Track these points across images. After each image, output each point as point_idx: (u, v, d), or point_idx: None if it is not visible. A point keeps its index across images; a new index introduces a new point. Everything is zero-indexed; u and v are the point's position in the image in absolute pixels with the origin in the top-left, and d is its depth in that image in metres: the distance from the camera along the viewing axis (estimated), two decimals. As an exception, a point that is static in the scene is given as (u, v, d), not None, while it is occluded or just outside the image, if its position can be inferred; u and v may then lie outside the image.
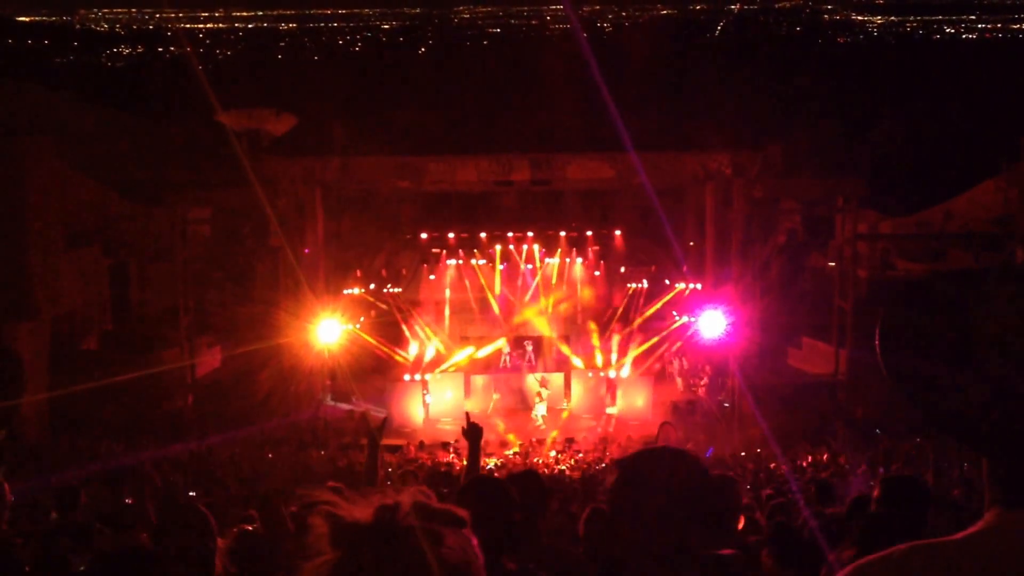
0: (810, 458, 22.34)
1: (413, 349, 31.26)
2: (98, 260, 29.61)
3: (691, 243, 31.89)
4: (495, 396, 29.59)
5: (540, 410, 28.68)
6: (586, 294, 32.31)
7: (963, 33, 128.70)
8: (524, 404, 29.59)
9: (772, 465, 21.06)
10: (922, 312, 1.62)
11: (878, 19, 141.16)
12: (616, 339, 31.35)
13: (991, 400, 1.53)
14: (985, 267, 1.55)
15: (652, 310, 31.41)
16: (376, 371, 30.34)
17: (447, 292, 32.28)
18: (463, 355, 30.95)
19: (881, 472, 17.24)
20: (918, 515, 4.95)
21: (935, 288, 1.61)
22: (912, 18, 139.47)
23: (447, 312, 32.18)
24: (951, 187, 32.39)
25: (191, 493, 15.40)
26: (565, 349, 31.26)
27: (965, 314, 1.54)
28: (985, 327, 1.52)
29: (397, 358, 30.46)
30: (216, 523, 4.58)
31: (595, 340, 31.21)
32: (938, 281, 1.61)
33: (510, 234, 32.04)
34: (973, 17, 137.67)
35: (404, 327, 31.32)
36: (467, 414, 7.06)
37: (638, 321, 31.40)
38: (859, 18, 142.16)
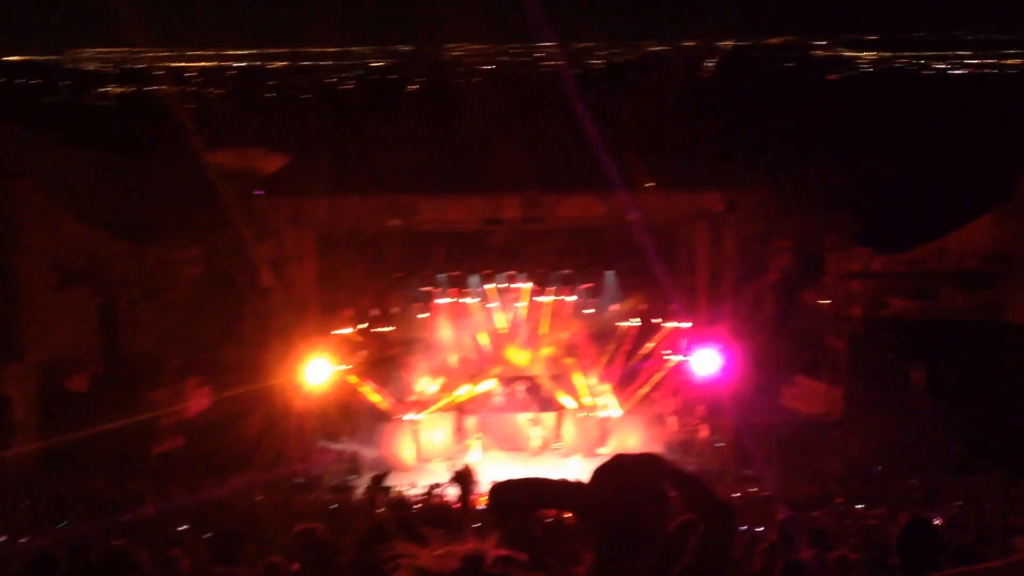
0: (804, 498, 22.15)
1: (404, 389, 31.06)
2: (88, 301, 29.38)
3: (683, 281, 31.80)
4: (478, 436, 29.32)
5: (536, 441, 28.71)
6: (577, 333, 32.14)
7: (954, 69, 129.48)
8: (514, 444, 29.40)
9: (766, 505, 20.86)
10: None
11: (869, 55, 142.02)
12: (608, 379, 31.19)
13: None
14: None
15: (644, 349, 31.27)
16: (366, 411, 30.10)
17: (438, 331, 32.10)
18: (455, 395, 30.76)
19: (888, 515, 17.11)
20: (933, 560, 4.86)
21: None
22: (903, 54, 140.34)
23: (438, 351, 31.99)
24: (944, 225, 32.34)
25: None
26: (554, 389, 31.05)
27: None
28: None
29: (382, 404, 30.03)
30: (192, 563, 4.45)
31: (576, 380, 31.04)
32: None
33: (501, 273, 31.93)
34: (964, 53, 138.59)
35: (394, 368, 31.11)
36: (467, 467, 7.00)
37: (641, 361, 31.22)
38: (850, 54, 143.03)
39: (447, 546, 1.74)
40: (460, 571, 1.66)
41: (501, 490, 3.13)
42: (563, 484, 3.12)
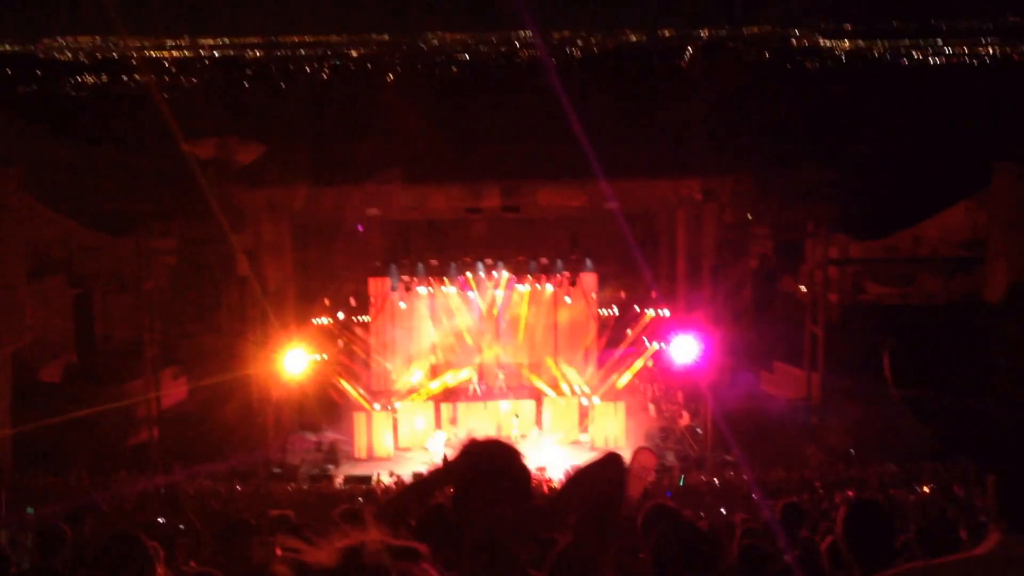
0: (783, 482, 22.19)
1: (381, 378, 30.97)
2: (62, 291, 29.16)
3: (662, 269, 31.80)
4: (453, 428, 29.23)
5: (515, 428, 28.70)
6: (557, 321, 32.12)
7: (931, 57, 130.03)
8: (494, 433, 29.33)
9: (745, 490, 20.90)
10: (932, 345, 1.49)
11: (846, 44, 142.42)
12: (588, 366, 31.19)
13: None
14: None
15: (623, 336, 31.28)
16: (344, 401, 30.00)
17: (417, 321, 32.01)
18: (434, 384, 30.68)
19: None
20: (885, 540, 4.79)
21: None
22: (880, 43, 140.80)
23: (416, 341, 31.91)
24: (921, 211, 32.43)
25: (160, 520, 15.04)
26: (534, 377, 31.03)
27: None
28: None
29: (357, 396, 29.88)
30: (166, 555, 4.37)
31: (555, 369, 31.05)
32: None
33: (480, 262, 31.85)
34: (940, 41, 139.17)
35: (372, 357, 31.02)
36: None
37: (621, 349, 31.23)
38: (827, 43, 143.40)
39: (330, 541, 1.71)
40: (340, 564, 1.64)
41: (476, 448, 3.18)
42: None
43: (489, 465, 3.03)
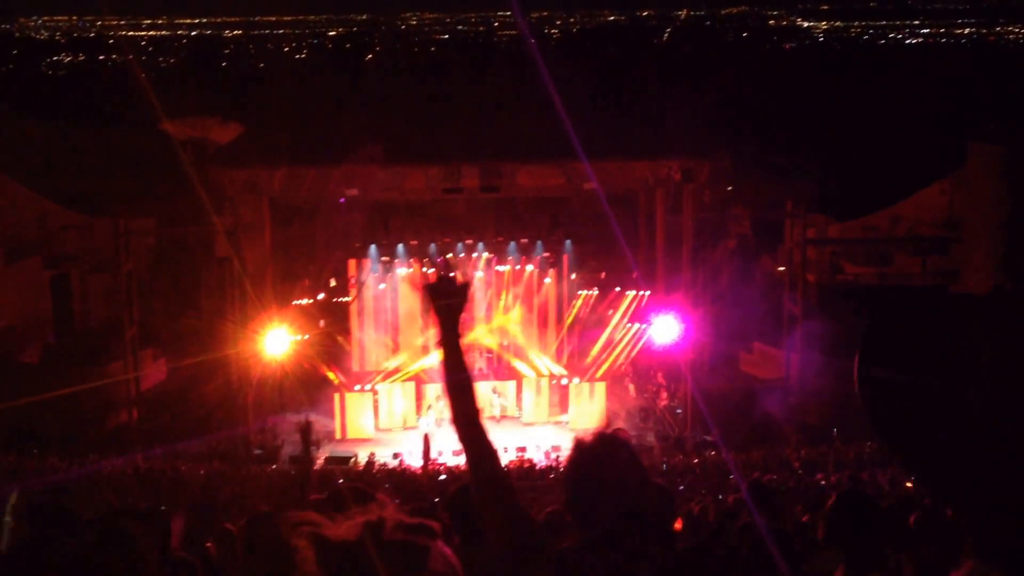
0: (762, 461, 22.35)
1: (361, 359, 30.93)
2: (39, 272, 29.02)
3: (642, 249, 31.85)
4: (431, 406, 29.20)
5: (496, 409, 28.82)
6: (536, 302, 32.12)
7: (908, 38, 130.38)
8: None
9: (725, 470, 21.04)
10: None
11: (824, 25, 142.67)
12: (567, 347, 31.25)
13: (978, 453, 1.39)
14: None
15: (603, 317, 31.34)
16: (325, 381, 29.94)
17: (396, 301, 31.96)
18: (413, 366, 30.64)
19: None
20: (872, 533, 4.82)
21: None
22: (857, 23, 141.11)
23: (397, 321, 31.87)
24: (898, 191, 32.62)
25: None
26: (513, 359, 31.04)
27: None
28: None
29: (334, 378, 29.80)
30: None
31: (534, 349, 31.09)
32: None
33: (460, 242, 31.81)
34: (918, 22, 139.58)
35: (351, 338, 30.97)
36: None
37: (604, 331, 31.26)
38: (805, 24, 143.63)
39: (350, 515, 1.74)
40: (361, 538, 1.67)
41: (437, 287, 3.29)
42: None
43: (609, 462, 2.96)
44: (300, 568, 1.67)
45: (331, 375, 29.62)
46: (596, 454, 2.99)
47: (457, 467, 24.20)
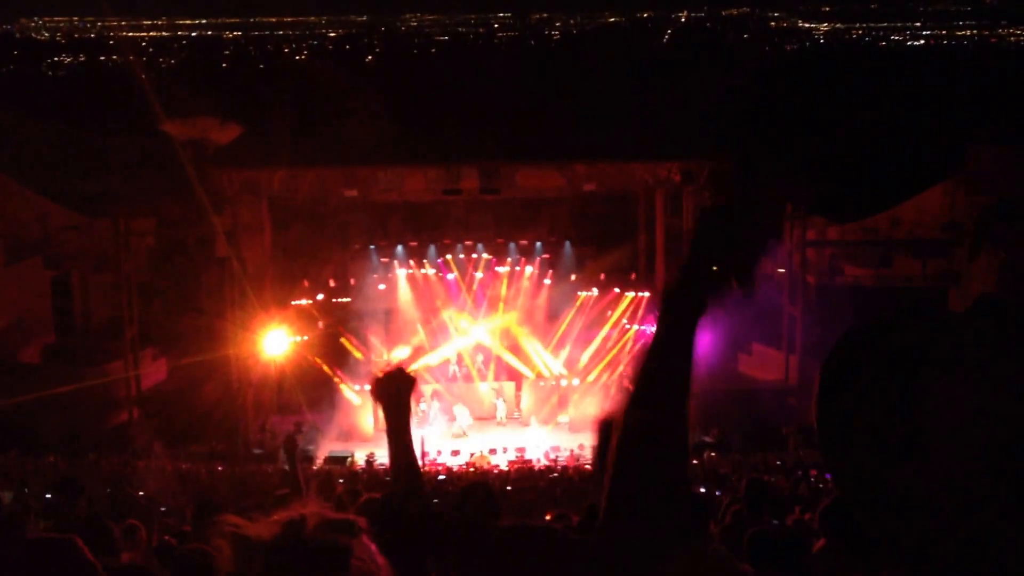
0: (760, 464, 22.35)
1: (361, 359, 30.94)
2: (40, 272, 29.04)
3: (641, 251, 31.85)
4: (424, 405, 29.06)
5: (501, 411, 28.77)
6: (536, 303, 32.13)
7: (909, 40, 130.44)
8: (476, 414, 29.40)
9: (723, 472, 21.05)
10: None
11: (824, 26, 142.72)
12: (568, 347, 31.25)
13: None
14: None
15: (602, 318, 31.34)
16: (324, 382, 29.93)
17: (396, 302, 31.98)
18: (415, 365, 30.62)
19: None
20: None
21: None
22: (858, 25, 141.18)
23: (397, 322, 31.88)
24: (898, 193, 32.63)
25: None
26: (513, 359, 31.06)
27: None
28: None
29: (337, 381, 29.77)
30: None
31: (534, 350, 31.08)
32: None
33: (459, 243, 31.84)
34: (919, 24, 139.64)
35: (351, 339, 30.97)
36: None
37: (601, 331, 31.26)
38: (805, 25, 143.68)
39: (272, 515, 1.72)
40: (280, 537, 1.65)
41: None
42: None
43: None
44: (219, 569, 1.66)
45: (332, 374, 29.68)
46: None
47: (457, 468, 24.26)
